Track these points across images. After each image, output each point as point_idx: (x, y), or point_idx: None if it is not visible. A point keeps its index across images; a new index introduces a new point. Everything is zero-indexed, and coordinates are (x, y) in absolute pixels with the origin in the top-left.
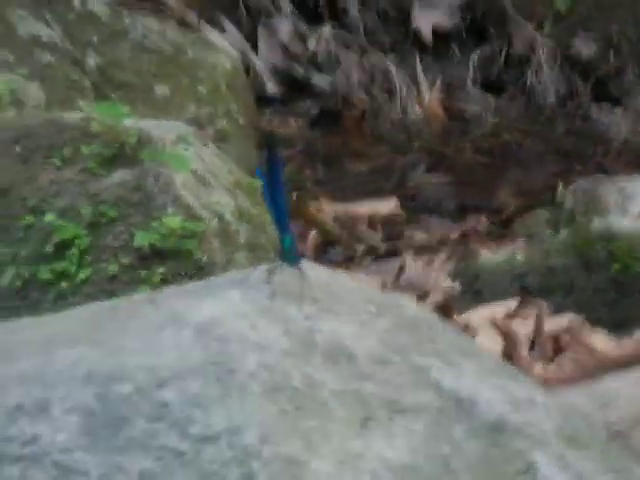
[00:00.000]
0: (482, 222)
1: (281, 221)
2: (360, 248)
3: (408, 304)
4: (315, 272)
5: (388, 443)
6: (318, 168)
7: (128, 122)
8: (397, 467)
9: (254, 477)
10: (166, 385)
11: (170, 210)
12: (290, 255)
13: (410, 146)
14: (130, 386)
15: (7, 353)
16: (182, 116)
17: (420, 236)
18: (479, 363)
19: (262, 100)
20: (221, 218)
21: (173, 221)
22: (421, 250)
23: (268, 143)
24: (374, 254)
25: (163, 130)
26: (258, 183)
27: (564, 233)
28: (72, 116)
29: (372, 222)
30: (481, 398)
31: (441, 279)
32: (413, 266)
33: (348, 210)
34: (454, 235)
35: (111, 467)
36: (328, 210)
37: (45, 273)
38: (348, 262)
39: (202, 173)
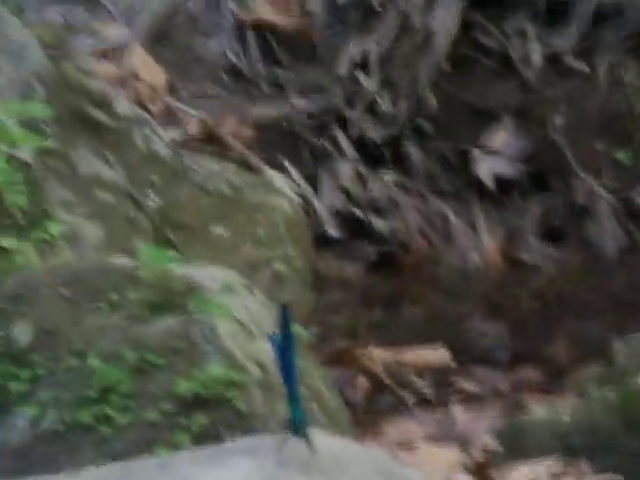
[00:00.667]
0: (534, 375)
1: (291, 391)
2: (408, 397)
3: (415, 476)
4: (325, 442)
5: None
6: (373, 312)
7: (176, 268)
8: None
9: None
10: None
11: (213, 359)
12: (299, 425)
13: (467, 294)
14: None
15: None
16: (239, 258)
17: (469, 387)
18: None
19: (321, 242)
20: (264, 368)
21: (216, 370)
22: (470, 401)
23: (283, 315)
24: (422, 403)
25: (210, 277)
26: (304, 334)
27: (609, 392)
28: (121, 261)
29: (421, 371)
30: None
31: (483, 433)
32: (460, 417)
33: (398, 358)
34: (504, 387)
35: None
36: (377, 357)
37: (86, 417)
38: (395, 410)
39: (247, 323)
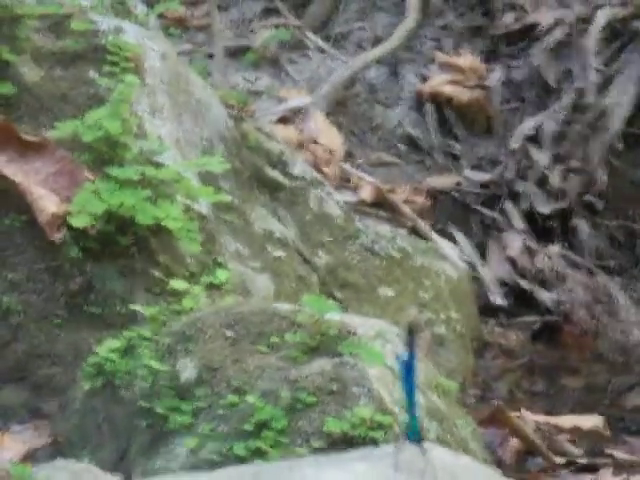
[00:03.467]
0: None
1: (410, 402)
2: (559, 460)
3: None
4: (439, 453)
5: None
6: (535, 380)
7: (332, 315)
8: None
9: None
10: None
11: (363, 401)
12: (415, 434)
13: (629, 368)
14: None
15: None
16: (402, 319)
17: (622, 456)
18: None
19: (486, 311)
20: None
21: (364, 411)
22: (621, 468)
23: (410, 330)
24: (572, 468)
25: (364, 325)
26: (454, 387)
27: None
28: (283, 306)
29: (574, 437)
30: None
31: None
32: None
33: (550, 422)
34: None
35: None
36: (530, 420)
37: (241, 449)
38: (544, 472)
39: (397, 369)
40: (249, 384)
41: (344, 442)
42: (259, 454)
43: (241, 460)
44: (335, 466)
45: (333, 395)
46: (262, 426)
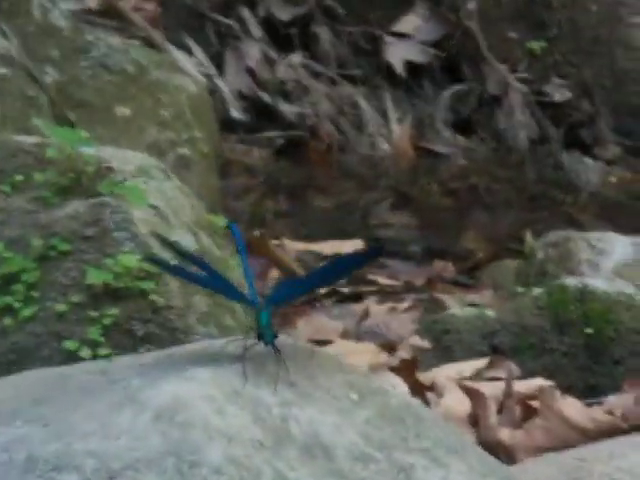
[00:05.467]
0: (448, 269)
1: (254, 294)
2: (321, 290)
3: (393, 391)
4: (292, 351)
5: None
6: (280, 200)
7: (87, 150)
8: None
9: None
10: (117, 478)
11: (127, 248)
12: (266, 332)
13: (376, 183)
14: (76, 477)
15: None
16: (142, 140)
17: (384, 281)
18: (469, 462)
19: (226, 126)
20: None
21: (129, 260)
22: (385, 295)
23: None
24: (336, 297)
25: (124, 160)
26: (222, 221)
27: (537, 291)
28: (26, 140)
29: None
30: None
31: (407, 331)
32: (376, 312)
33: (311, 249)
34: (419, 281)
35: None
36: (290, 249)
37: None
38: (309, 304)
39: (163, 209)
40: None
41: (107, 295)
42: (10, 312)
43: None
44: (168, 374)
45: (92, 241)
46: (10, 279)
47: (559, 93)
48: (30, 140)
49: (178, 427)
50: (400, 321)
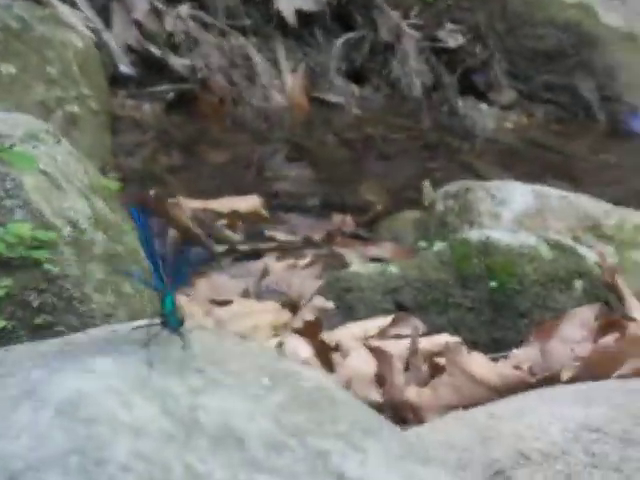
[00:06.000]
0: (347, 222)
1: (159, 278)
2: (219, 248)
3: (306, 373)
4: (199, 336)
5: None
6: (173, 155)
7: None
8: None
9: None
10: (19, 479)
11: (18, 216)
12: (171, 317)
13: (271, 135)
14: None
15: None
16: (29, 98)
17: (283, 236)
18: (386, 445)
19: (114, 81)
20: (75, 226)
21: (22, 228)
22: (284, 252)
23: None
24: (234, 255)
25: (11, 124)
26: (115, 186)
27: (440, 245)
28: None
29: (232, 220)
30: None
31: (308, 288)
32: (276, 270)
33: (207, 207)
34: (318, 236)
35: None
36: (187, 207)
37: None
38: (206, 264)
39: (55, 175)
40: None
41: (0, 266)
42: None
43: None
44: (67, 364)
45: None
46: None
47: (452, 39)
48: None
49: (82, 423)
50: (301, 278)
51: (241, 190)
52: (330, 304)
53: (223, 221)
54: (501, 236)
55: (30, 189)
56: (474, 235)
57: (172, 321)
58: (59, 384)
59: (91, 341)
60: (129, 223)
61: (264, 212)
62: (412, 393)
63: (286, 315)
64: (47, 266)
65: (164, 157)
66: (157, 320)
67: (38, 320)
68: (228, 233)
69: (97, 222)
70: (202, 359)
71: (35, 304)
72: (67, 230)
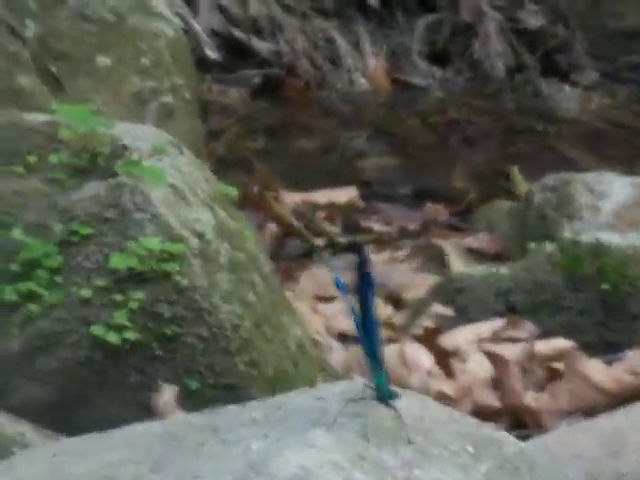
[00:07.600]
0: (441, 212)
1: (373, 351)
2: (319, 241)
3: (506, 439)
4: (406, 404)
5: None
6: (259, 140)
7: (100, 128)
8: None
9: None
10: None
11: (148, 229)
12: (384, 390)
13: (356, 120)
14: None
15: None
16: (125, 89)
17: (379, 227)
18: None
19: (200, 66)
20: (201, 237)
21: (151, 242)
22: (382, 243)
23: (359, 258)
24: (334, 247)
25: (133, 136)
26: (233, 191)
27: (550, 247)
28: (36, 118)
29: (330, 212)
30: None
31: (407, 281)
32: (375, 263)
33: (306, 200)
34: (414, 226)
35: None
36: (287, 200)
37: (10, 294)
38: (306, 256)
39: (180, 187)
40: (11, 215)
41: (131, 279)
42: (34, 299)
43: (13, 306)
44: (287, 436)
45: (112, 224)
46: (33, 265)
47: (533, 19)
48: (40, 118)
49: None
50: (400, 271)
51: (331, 177)
52: (449, 311)
53: (321, 213)
54: (612, 238)
55: (158, 202)
56: (584, 237)
57: (385, 393)
58: (281, 459)
59: (300, 409)
60: (249, 229)
61: (360, 203)
62: (530, 398)
63: (388, 310)
64: (177, 278)
65: (250, 142)
66: (368, 391)
67: (168, 331)
68: (326, 226)
69: (220, 231)
70: (412, 429)
71: (167, 315)
72: (194, 242)
